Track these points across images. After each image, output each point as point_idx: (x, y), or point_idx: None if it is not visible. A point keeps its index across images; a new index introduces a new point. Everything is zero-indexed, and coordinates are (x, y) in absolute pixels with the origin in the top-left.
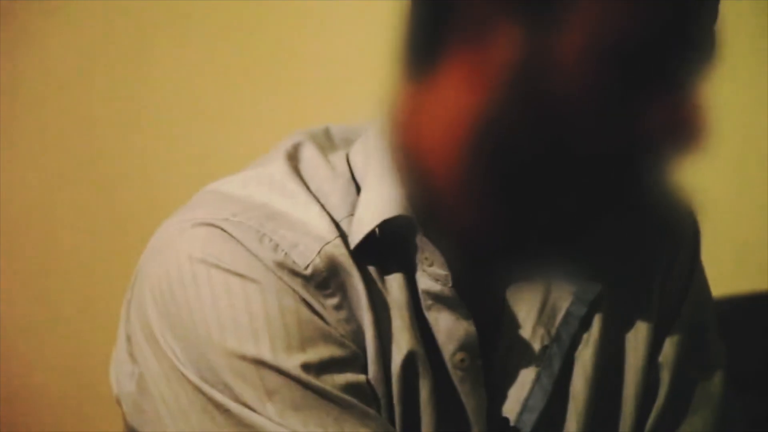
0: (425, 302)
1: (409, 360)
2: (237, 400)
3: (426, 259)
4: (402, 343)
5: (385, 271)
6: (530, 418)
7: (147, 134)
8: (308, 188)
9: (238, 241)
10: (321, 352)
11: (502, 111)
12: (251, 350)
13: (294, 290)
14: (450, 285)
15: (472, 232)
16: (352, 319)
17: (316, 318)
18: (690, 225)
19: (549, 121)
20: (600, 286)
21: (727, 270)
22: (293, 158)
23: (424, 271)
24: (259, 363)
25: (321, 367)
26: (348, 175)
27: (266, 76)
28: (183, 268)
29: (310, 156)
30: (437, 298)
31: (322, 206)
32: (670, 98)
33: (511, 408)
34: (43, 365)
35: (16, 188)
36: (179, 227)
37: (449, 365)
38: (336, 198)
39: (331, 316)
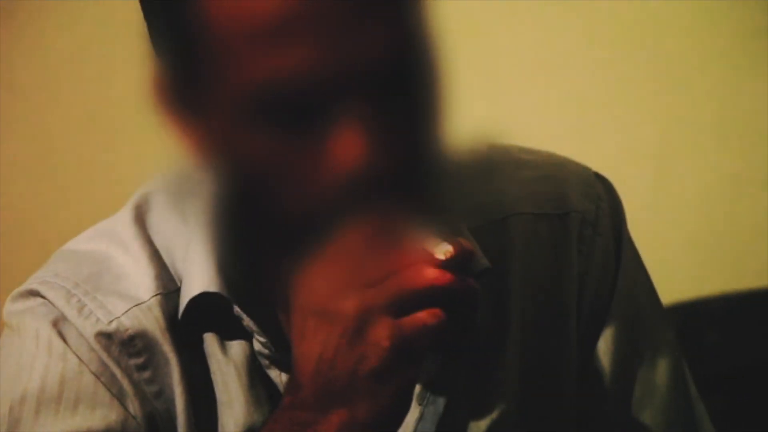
0: (263, 362)
1: (250, 430)
2: None
3: (248, 327)
4: (237, 408)
5: (227, 331)
6: None
7: (147, 133)
8: (150, 240)
9: (47, 302)
10: (90, 422)
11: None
12: (15, 412)
13: (90, 351)
14: (273, 350)
15: (293, 283)
16: (157, 381)
17: (100, 386)
18: (597, 213)
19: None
20: (474, 309)
21: (726, 269)
22: (141, 208)
23: (253, 337)
24: (17, 425)
25: None
26: (197, 231)
27: None
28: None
29: (160, 206)
30: (271, 360)
31: (159, 260)
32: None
33: None
34: None
35: (16, 188)
36: (17, 294)
37: None
38: (182, 251)
39: (134, 376)
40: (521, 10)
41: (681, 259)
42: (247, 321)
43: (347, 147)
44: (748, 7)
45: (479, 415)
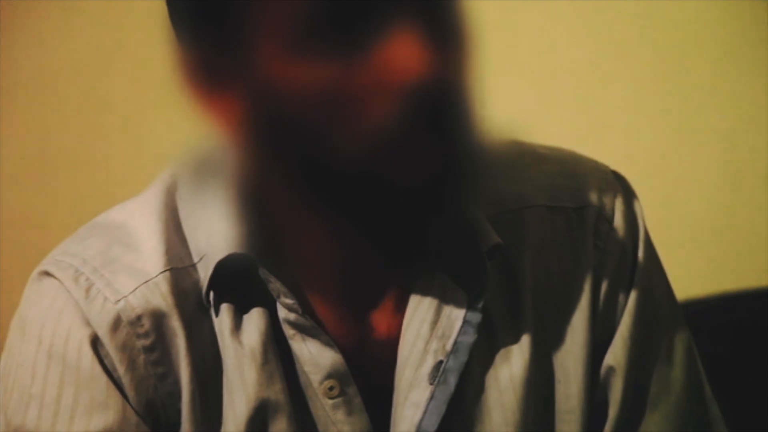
0: (287, 332)
1: (261, 407)
2: None
3: (274, 290)
4: (249, 385)
5: (246, 306)
6: None
7: (147, 133)
8: (175, 213)
9: (56, 281)
10: (86, 427)
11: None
12: (17, 420)
13: (96, 338)
14: (301, 312)
15: (318, 254)
16: (165, 362)
17: (97, 388)
18: (614, 209)
19: (297, 126)
20: (484, 286)
21: (726, 269)
22: (171, 183)
23: (278, 301)
24: None
25: None
26: (222, 204)
27: None
28: (12, 323)
29: (187, 183)
30: (296, 327)
31: (178, 233)
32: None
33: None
34: None
35: (15, 188)
36: (33, 275)
37: (319, 394)
38: (203, 230)
39: (139, 360)
40: (521, 10)
41: (681, 259)
42: (275, 283)
43: (407, 51)
44: (751, 5)
45: (490, 397)
